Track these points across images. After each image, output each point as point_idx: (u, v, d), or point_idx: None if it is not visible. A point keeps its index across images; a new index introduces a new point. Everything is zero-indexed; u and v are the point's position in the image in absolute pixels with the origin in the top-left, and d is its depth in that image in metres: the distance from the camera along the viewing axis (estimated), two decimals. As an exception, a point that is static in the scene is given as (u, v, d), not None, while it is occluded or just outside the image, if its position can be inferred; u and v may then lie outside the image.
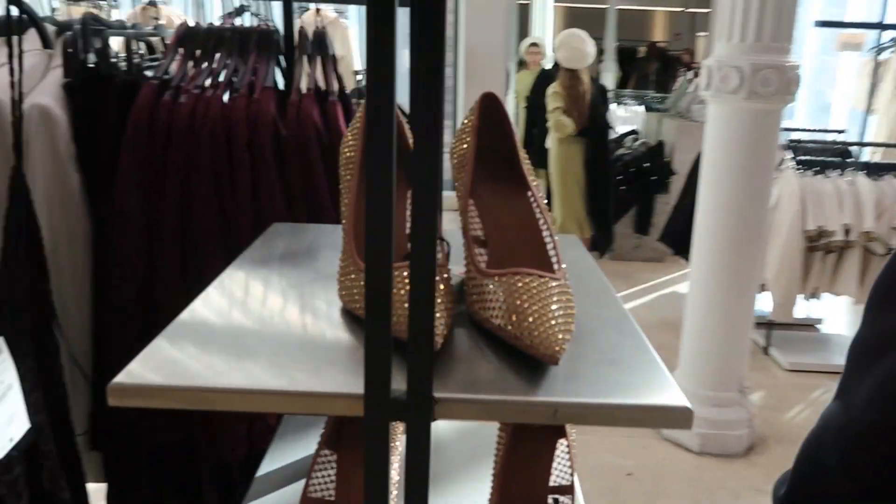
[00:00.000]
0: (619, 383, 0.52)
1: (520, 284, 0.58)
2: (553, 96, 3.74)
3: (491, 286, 0.59)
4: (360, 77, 3.62)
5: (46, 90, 1.12)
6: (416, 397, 0.47)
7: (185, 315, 0.59)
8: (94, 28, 1.15)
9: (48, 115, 1.09)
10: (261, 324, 0.60)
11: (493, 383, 0.51)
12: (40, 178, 1.09)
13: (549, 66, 4.98)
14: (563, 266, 0.64)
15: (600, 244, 4.08)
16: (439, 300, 0.57)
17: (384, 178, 0.44)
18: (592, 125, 3.77)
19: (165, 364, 0.51)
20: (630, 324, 0.64)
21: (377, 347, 0.46)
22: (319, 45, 1.32)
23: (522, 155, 0.71)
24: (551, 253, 0.66)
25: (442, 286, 0.58)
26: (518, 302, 0.57)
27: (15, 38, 0.85)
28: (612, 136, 4.44)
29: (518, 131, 5.63)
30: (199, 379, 0.49)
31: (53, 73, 1.17)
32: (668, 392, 0.51)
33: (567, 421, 0.50)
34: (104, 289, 1.16)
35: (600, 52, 6.56)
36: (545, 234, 0.68)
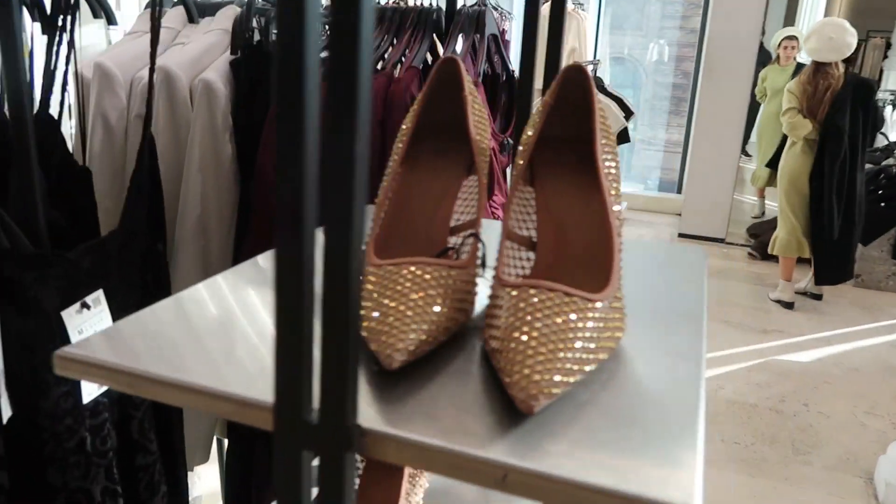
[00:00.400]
0: (614, 458, 0.38)
1: (533, 300, 0.45)
2: (787, 95, 3.25)
3: (502, 299, 0.47)
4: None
5: (216, 66, 1.20)
6: (330, 425, 0.38)
7: (168, 302, 0.56)
8: (260, 7, 1.20)
9: (210, 90, 1.16)
10: (232, 321, 0.55)
11: (448, 424, 0.40)
12: (198, 147, 1.17)
13: (805, 60, 4.35)
14: (620, 289, 0.50)
15: (821, 271, 3.40)
16: (414, 305, 0.46)
17: (296, 145, 0.35)
18: (827, 128, 3.19)
19: (114, 344, 0.48)
20: (694, 386, 0.47)
21: (289, 355, 0.38)
22: (477, 24, 1.24)
23: (602, 146, 0.57)
24: (613, 269, 0.51)
25: (431, 290, 0.48)
26: (518, 323, 0.44)
27: (146, 14, 0.89)
28: (882, 143, 3.72)
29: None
30: (133, 364, 0.45)
31: (228, 51, 1.25)
32: (676, 485, 0.35)
33: (518, 493, 0.37)
34: (244, 254, 1.22)
35: (888, 46, 5.57)
36: (613, 244, 0.53)
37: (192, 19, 1.29)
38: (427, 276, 0.50)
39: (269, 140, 1.14)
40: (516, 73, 1.32)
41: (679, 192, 5.60)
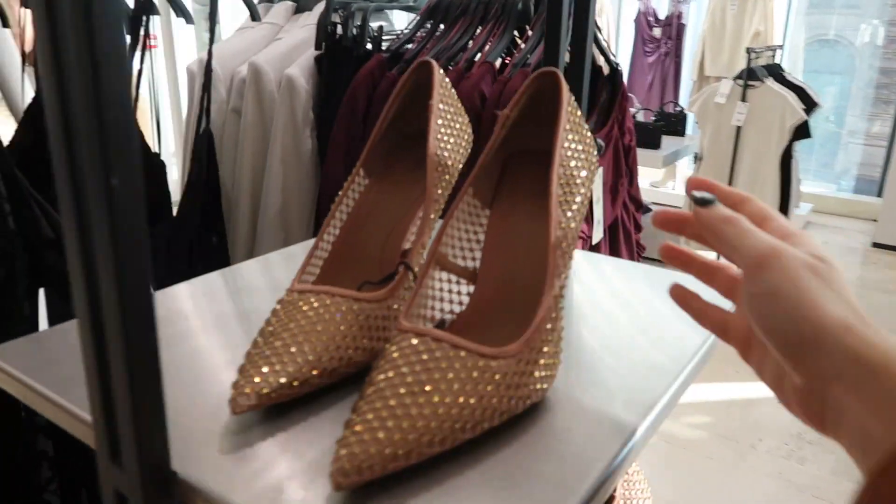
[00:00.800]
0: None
1: (406, 351, 0.39)
2: None
3: (392, 342, 0.42)
4: (752, 55, 3.11)
5: (301, 62, 1.22)
6: (141, 467, 0.35)
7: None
8: (341, 1, 1.20)
9: (292, 85, 1.19)
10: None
11: (269, 486, 0.36)
12: (280, 142, 1.20)
13: None
14: (550, 339, 0.41)
15: None
16: (283, 343, 0.42)
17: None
18: None
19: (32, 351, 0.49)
20: (616, 441, 0.38)
21: (99, 395, 0.36)
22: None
23: (566, 161, 0.48)
24: (537, 316, 0.43)
25: (320, 325, 0.43)
26: (375, 374, 0.38)
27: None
28: None
29: None
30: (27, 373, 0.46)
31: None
32: None
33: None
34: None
35: None
36: (545, 284, 0.44)
37: (254, 18, 1.33)
38: (323, 310, 0.45)
39: (337, 138, 1.14)
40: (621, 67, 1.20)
41: (879, 195, 4.88)
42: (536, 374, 0.42)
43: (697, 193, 0.37)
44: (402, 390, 0.37)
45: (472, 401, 0.38)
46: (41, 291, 0.81)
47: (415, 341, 0.40)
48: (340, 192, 0.56)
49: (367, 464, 0.34)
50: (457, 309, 0.49)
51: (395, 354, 0.40)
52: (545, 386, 0.43)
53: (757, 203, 0.38)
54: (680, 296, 0.41)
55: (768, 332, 0.32)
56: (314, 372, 0.42)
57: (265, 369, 0.41)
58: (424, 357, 0.39)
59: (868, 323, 0.31)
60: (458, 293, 0.49)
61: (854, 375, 0.30)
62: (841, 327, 0.31)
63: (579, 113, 0.50)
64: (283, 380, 0.41)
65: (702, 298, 0.41)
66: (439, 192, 0.53)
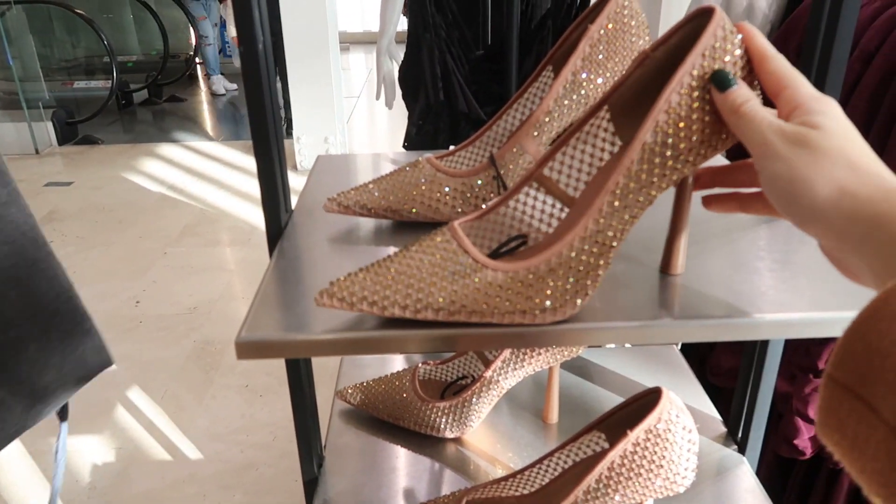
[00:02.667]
0: None
1: (428, 242, 0.46)
2: None
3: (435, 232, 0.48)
4: None
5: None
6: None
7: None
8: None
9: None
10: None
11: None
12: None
13: None
14: (567, 273, 0.41)
15: None
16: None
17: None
18: None
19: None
20: None
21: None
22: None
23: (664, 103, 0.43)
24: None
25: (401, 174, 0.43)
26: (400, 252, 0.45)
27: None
28: None
29: None
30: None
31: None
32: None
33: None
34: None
35: None
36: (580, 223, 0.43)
37: None
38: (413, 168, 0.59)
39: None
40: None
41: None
42: (536, 299, 0.44)
43: (716, 75, 0.40)
44: (401, 262, 0.45)
45: (445, 287, 0.43)
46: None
47: (439, 239, 0.46)
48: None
49: (339, 295, 0.44)
50: (544, 228, 0.49)
51: (424, 241, 0.46)
52: (553, 317, 0.45)
53: (777, 64, 0.40)
54: (715, 201, 0.45)
55: (779, 210, 0.37)
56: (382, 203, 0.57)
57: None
58: (435, 244, 0.46)
59: (862, 170, 0.34)
60: (551, 215, 0.49)
61: (857, 234, 0.33)
62: (832, 198, 0.34)
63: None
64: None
65: (733, 192, 0.44)
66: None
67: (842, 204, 0.34)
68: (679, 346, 1.23)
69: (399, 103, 1.67)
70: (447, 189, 0.57)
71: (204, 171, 4.11)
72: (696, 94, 0.41)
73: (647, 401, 0.60)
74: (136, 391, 2.20)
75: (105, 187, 3.81)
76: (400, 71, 1.31)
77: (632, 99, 0.46)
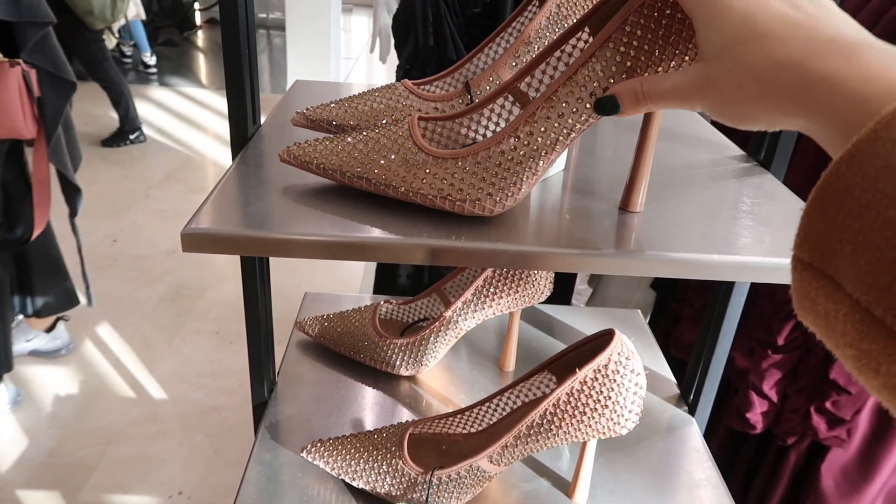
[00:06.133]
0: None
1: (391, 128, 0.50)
2: None
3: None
4: None
5: None
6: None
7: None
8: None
9: None
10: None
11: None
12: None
13: None
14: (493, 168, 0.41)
15: None
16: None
17: None
18: None
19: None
20: None
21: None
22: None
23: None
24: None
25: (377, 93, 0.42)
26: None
27: None
28: None
29: None
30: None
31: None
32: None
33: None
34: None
35: None
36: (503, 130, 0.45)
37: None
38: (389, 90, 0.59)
39: None
40: None
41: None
42: (464, 189, 0.48)
43: None
44: (358, 138, 0.50)
45: (387, 164, 0.49)
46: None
47: (395, 128, 0.50)
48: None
49: (297, 153, 0.50)
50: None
51: (384, 126, 0.51)
52: (473, 209, 0.49)
53: None
54: None
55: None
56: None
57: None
58: (391, 133, 0.50)
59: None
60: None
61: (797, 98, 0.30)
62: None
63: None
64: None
65: None
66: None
67: (765, 97, 0.32)
68: (648, 320, 1.24)
69: (393, 58, 1.64)
70: (419, 111, 0.56)
71: (194, 117, 4.05)
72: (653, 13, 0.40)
73: (598, 342, 0.60)
74: (106, 328, 2.19)
75: (92, 124, 3.75)
76: (394, 17, 1.30)
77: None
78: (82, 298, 1.96)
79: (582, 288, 2.20)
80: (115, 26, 3.94)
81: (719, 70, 0.34)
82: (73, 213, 1.75)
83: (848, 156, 0.25)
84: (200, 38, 5.96)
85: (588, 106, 0.46)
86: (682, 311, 1.24)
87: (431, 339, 0.77)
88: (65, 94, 1.58)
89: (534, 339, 0.90)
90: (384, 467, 0.62)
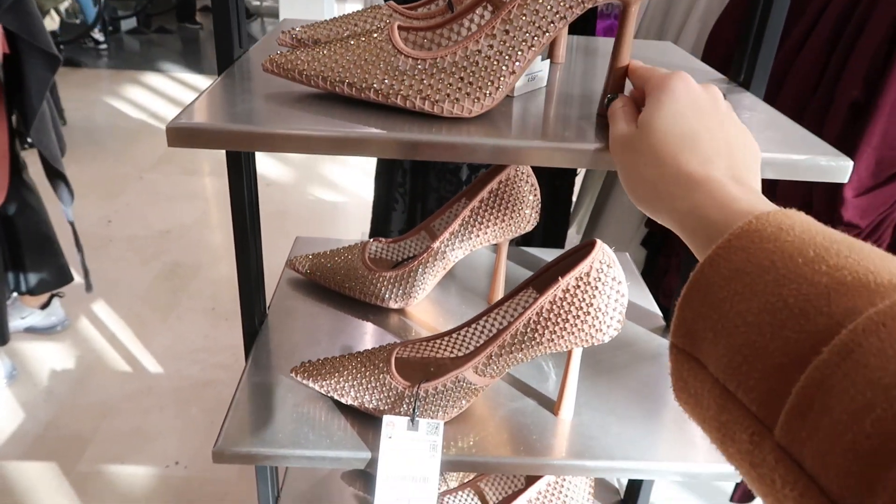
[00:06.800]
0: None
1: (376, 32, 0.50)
2: None
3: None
4: None
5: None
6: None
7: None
8: None
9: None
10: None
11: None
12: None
13: None
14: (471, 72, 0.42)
15: None
16: None
17: None
18: None
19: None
20: None
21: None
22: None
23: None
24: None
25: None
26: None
27: None
28: None
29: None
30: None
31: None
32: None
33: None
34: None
35: None
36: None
37: None
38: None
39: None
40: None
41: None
42: (433, 85, 0.50)
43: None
44: (341, 43, 0.51)
45: (371, 67, 0.51)
46: None
47: (376, 35, 0.52)
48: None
49: (279, 62, 0.51)
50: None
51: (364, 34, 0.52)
52: (453, 109, 0.50)
53: (637, 65, 0.50)
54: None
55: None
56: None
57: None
58: (371, 39, 0.51)
59: (668, 168, 0.40)
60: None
61: (674, 226, 0.39)
62: (647, 197, 0.42)
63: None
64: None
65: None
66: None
67: (655, 203, 0.41)
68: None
69: None
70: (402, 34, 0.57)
71: (187, 102, 4.05)
72: None
73: (580, 254, 0.61)
74: (102, 306, 2.20)
75: (84, 109, 3.75)
76: None
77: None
78: (78, 278, 1.97)
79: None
80: (63, 5, 3.91)
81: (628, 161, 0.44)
82: (63, 203, 1.75)
83: (709, 260, 0.31)
84: (196, 26, 5.95)
85: (562, 4, 0.48)
86: (669, 265, 1.25)
87: (419, 270, 0.78)
88: (48, 66, 1.58)
89: (522, 276, 0.91)
90: (372, 383, 0.63)
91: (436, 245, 0.78)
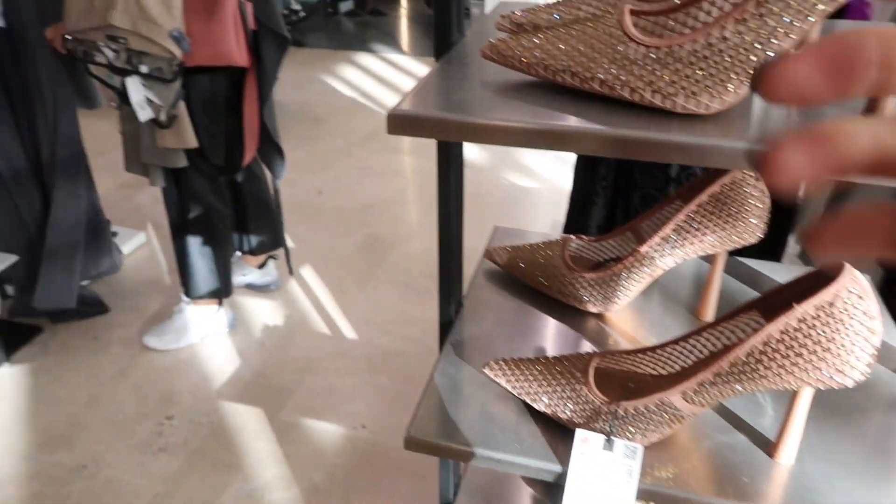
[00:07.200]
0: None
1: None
2: None
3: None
4: None
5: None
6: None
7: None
8: None
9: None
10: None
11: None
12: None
13: None
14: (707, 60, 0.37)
15: None
16: None
17: None
18: None
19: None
20: None
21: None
22: None
23: None
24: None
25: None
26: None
27: None
28: None
29: None
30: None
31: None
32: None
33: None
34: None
35: None
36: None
37: None
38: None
39: None
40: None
41: None
42: (667, 76, 0.44)
43: None
44: (565, 29, 0.48)
45: (597, 55, 0.46)
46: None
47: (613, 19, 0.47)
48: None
49: (506, 52, 0.49)
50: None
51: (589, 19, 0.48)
52: (686, 104, 0.44)
53: None
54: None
55: None
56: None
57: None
58: (598, 24, 0.48)
59: None
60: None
61: None
62: None
63: None
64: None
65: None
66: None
67: None
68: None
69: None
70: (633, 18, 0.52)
71: (395, 81, 4.25)
72: None
73: (821, 278, 0.53)
74: (308, 269, 2.39)
75: (305, 87, 4.08)
76: None
77: None
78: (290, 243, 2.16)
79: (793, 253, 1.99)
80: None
81: None
82: (275, 176, 1.91)
83: None
84: (405, 7, 6.22)
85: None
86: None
87: (623, 274, 0.73)
88: (280, 46, 1.71)
89: (737, 291, 0.82)
90: (567, 392, 0.60)
91: (644, 249, 0.72)
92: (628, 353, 0.64)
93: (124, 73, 1.41)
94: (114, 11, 1.31)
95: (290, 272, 2.16)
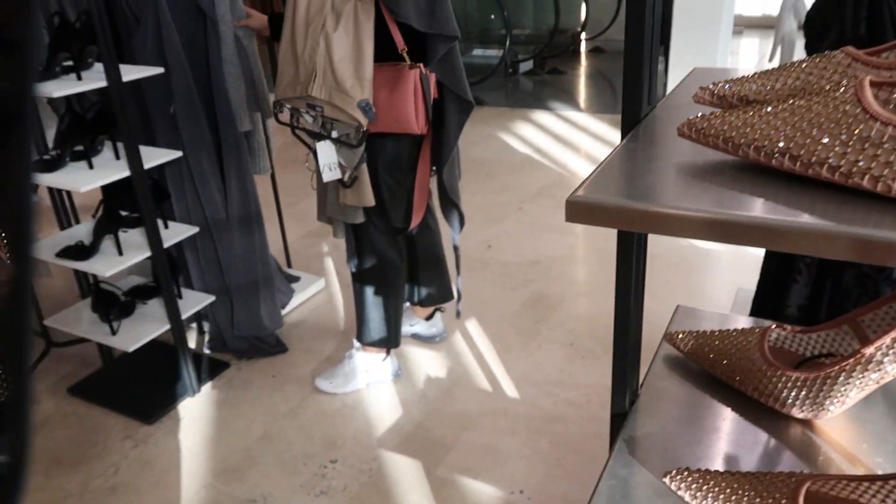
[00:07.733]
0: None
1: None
2: None
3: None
4: None
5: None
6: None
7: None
8: None
9: None
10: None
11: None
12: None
13: None
14: None
15: None
16: None
17: None
18: None
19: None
20: None
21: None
22: None
23: None
24: None
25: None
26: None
27: None
28: None
29: None
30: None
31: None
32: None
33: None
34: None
35: None
36: None
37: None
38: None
39: None
40: None
41: None
42: None
43: None
44: (784, 105, 0.42)
45: (827, 136, 0.39)
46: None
47: (839, 93, 0.41)
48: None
49: (707, 130, 0.44)
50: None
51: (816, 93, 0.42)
52: None
53: None
54: None
55: None
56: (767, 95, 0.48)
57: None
58: (829, 99, 0.41)
59: None
60: None
61: None
62: None
63: None
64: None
65: None
66: None
67: None
68: None
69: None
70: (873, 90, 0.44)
71: (569, 138, 4.22)
72: None
73: None
74: (473, 323, 2.38)
75: (481, 143, 4.18)
76: (811, 10, 1.12)
77: None
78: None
79: None
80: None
81: None
82: (454, 231, 1.95)
83: None
84: (584, 66, 6.22)
85: None
86: None
87: (841, 378, 0.61)
88: (464, 110, 1.75)
89: None
90: (767, 520, 0.50)
91: (870, 351, 0.60)
92: (848, 479, 0.53)
93: (319, 137, 1.53)
94: (313, 84, 1.44)
95: (458, 315, 2.16)
